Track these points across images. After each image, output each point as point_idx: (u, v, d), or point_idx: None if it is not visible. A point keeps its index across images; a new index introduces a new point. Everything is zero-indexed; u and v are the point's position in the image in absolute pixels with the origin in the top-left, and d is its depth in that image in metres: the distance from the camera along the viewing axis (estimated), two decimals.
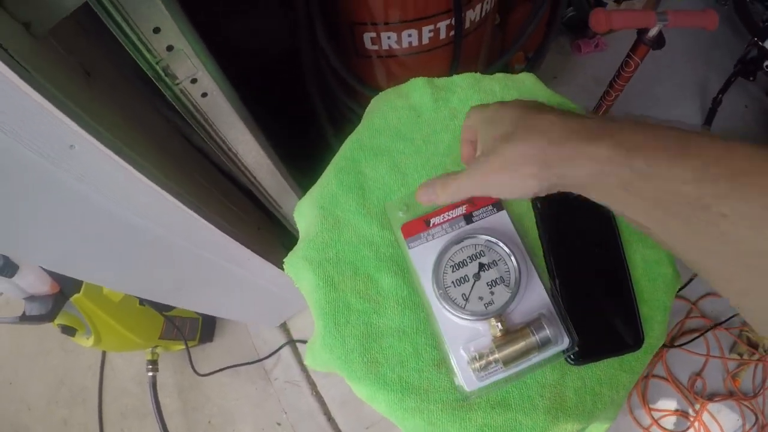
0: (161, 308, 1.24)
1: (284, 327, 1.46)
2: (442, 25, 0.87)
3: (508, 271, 0.43)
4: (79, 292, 1.04)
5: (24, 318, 0.98)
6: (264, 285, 1.01)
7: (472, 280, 0.43)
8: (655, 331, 0.47)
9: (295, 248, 0.50)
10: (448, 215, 0.47)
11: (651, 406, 1.34)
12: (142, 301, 1.19)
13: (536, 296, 0.44)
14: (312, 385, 1.38)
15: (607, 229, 0.49)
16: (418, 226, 0.47)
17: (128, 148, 0.51)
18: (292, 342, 1.44)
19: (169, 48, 0.48)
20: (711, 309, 1.49)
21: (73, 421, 1.50)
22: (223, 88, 0.54)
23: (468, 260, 0.44)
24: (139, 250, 0.70)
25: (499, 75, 0.58)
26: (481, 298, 0.43)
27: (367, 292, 0.45)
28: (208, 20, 0.57)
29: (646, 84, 1.76)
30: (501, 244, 0.44)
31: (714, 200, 0.25)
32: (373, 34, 0.86)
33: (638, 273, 0.48)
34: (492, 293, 0.43)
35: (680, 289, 1.39)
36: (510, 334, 0.41)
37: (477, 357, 0.42)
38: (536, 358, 0.42)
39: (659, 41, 1.09)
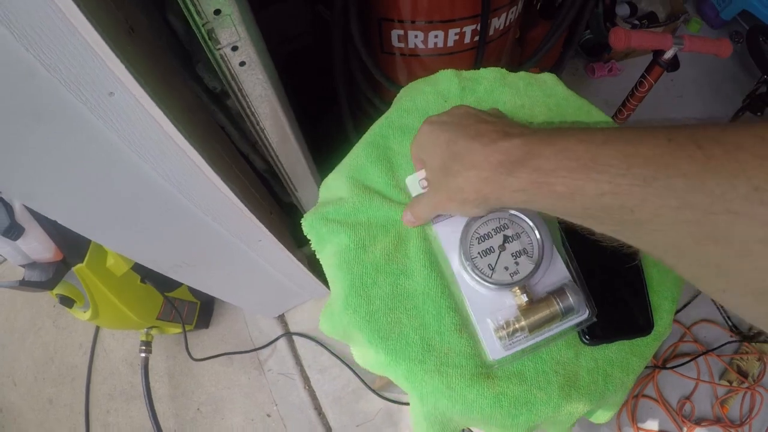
0: (162, 288, 1.23)
1: (282, 319, 1.47)
2: (468, 29, 0.90)
3: (531, 244, 0.45)
4: (82, 262, 1.03)
5: (23, 283, 0.95)
6: (270, 271, 1.02)
7: (497, 251, 0.45)
8: (663, 320, 0.49)
9: (317, 210, 0.51)
10: None
11: (639, 425, 1.35)
12: (144, 279, 1.19)
13: (557, 270, 0.46)
14: (305, 379, 1.38)
15: None
16: None
17: (163, 104, 0.52)
18: (288, 334, 1.44)
19: (217, 12, 0.50)
20: (704, 335, 1.52)
21: (59, 401, 1.49)
22: (262, 60, 0.56)
23: (493, 232, 0.45)
24: (157, 215, 0.71)
25: (523, 73, 0.61)
26: (506, 268, 0.44)
27: (395, 254, 0.47)
28: None
29: (655, 111, 1.80)
30: (524, 217, 0.45)
31: (634, 205, 0.27)
32: (401, 32, 0.88)
33: (649, 263, 0.51)
34: (517, 263, 0.44)
35: (677, 312, 1.41)
36: (534, 303, 0.43)
37: (504, 325, 0.44)
38: (558, 327, 0.44)
39: (674, 64, 1.13)
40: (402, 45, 0.91)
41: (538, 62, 1.17)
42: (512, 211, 0.45)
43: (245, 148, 0.88)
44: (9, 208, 0.90)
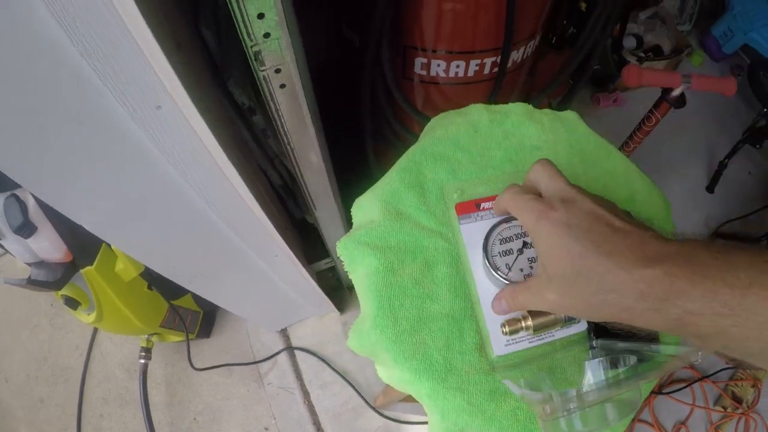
0: (168, 296, 1.24)
1: (284, 333, 1.47)
2: (488, 60, 0.93)
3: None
4: (91, 265, 1.04)
5: (31, 282, 0.96)
6: (281, 286, 1.03)
7: (515, 254, 0.49)
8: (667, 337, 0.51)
9: (351, 233, 0.54)
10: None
11: None
12: (151, 286, 1.20)
13: None
14: (305, 393, 1.39)
15: None
16: (469, 207, 0.53)
17: (205, 118, 0.54)
18: (290, 349, 1.45)
19: (266, 35, 0.52)
20: (700, 361, 1.53)
21: (51, 401, 1.48)
22: (303, 84, 0.58)
23: (514, 237, 0.50)
24: (182, 225, 0.73)
25: (548, 110, 0.64)
26: (521, 270, 0.48)
27: (422, 279, 0.49)
28: None
29: (658, 141, 1.84)
30: None
31: None
32: (425, 60, 0.91)
33: None
34: (531, 268, 0.49)
35: None
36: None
37: (512, 321, 0.48)
38: (559, 333, 0.49)
39: (681, 101, 1.17)
40: (424, 72, 0.94)
41: (549, 93, 1.20)
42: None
43: (264, 164, 0.90)
44: (23, 206, 0.91)
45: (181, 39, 0.59)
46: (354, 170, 1.04)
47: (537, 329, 0.47)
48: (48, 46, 0.43)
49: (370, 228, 0.52)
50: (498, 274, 0.48)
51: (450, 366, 0.46)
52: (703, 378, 1.49)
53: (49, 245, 0.97)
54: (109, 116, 0.51)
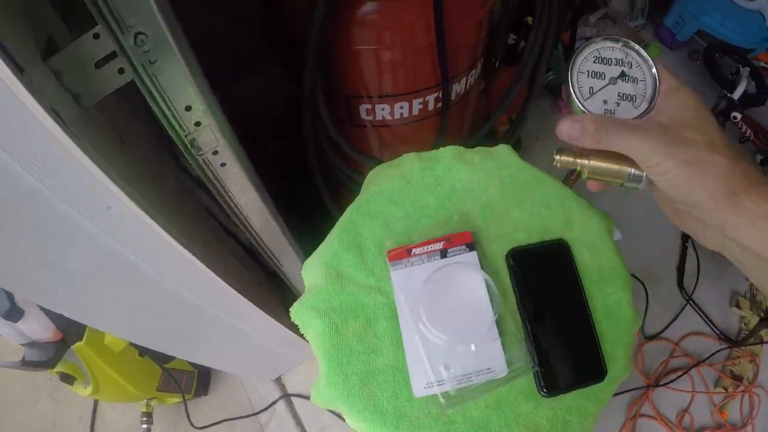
0: (160, 360, 1.27)
1: (279, 381, 1.49)
2: (431, 98, 0.97)
3: (645, 95, 0.44)
4: (81, 340, 1.07)
5: (24, 363, 1.00)
6: (262, 341, 1.06)
7: (607, 81, 0.44)
8: (617, 365, 0.55)
9: (301, 298, 0.57)
10: (427, 248, 0.57)
11: None
12: (142, 353, 1.23)
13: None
14: None
15: (571, 279, 0.58)
16: (401, 254, 0.56)
17: (155, 210, 0.58)
18: (287, 396, 1.46)
19: (197, 124, 0.57)
20: (693, 348, 1.57)
21: None
22: (239, 160, 0.62)
23: (614, 62, 0.45)
24: (152, 302, 0.76)
25: (479, 148, 0.68)
26: (605, 102, 0.44)
27: (366, 335, 0.53)
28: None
29: None
30: (655, 71, 0.44)
31: None
32: (369, 106, 0.96)
33: (599, 315, 0.57)
34: (618, 104, 0.44)
35: (661, 332, 1.53)
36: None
37: (565, 151, 0.46)
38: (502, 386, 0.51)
39: None
40: (370, 117, 0.98)
41: (506, 110, 1.24)
42: (649, 60, 0.44)
43: (231, 227, 0.94)
44: (9, 293, 0.95)
45: (125, 133, 0.63)
46: (316, 217, 1.08)
47: (594, 173, 0.45)
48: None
49: (315, 292, 0.56)
50: (577, 94, 0.43)
51: (400, 414, 0.50)
52: (699, 363, 1.50)
53: (38, 327, 1.01)
54: (67, 220, 0.54)
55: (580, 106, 0.44)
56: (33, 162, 0.47)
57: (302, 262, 0.61)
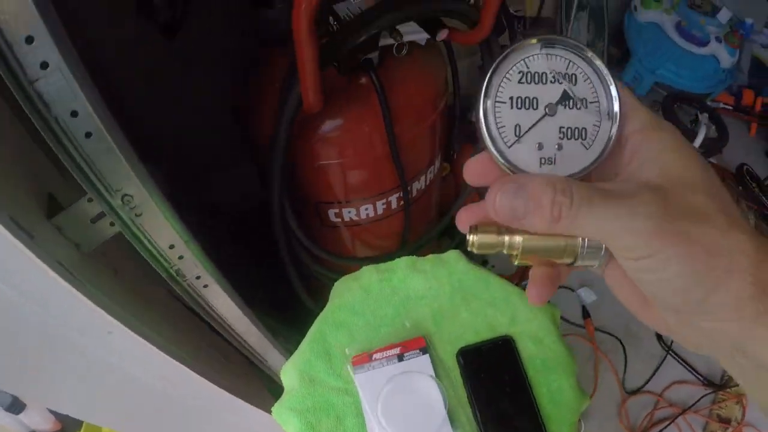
0: None
1: None
2: (393, 197, 1.08)
3: (599, 126, 0.30)
4: (79, 430, 1.11)
5: None
6: (254, 427, 1.11)
7: (542, 112, 0.30)
8: None
9: (281, 399, 0.66)
10: (386, 354, 0.66)
11: None
12: None
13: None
14: None
15: (516, 371, 0.67)
16: (363, 359, 0.65)
17: (148, 328, 0.66)
18: None
19: (180, 257, 0.66)
20: (678, 397, 1.58)
21: None
22: (219, 281, 0.71)
23: (551, 78, 0.30)
24: (150, 403, 0.82)
25: (431, 256, 0.77)
26: (539, 146, 0.30)
27: (337, 431, 0.60)
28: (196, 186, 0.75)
29: None
30: (612, 85, 0.30)
31: None
32: (337, 210, 1.06)
33: (544, 400, 0.65)
34: (558, 147, 0.30)
35: (644, 385, 1.57)
36: None
37: (485, 228, 0.31)
38: None
39: None
40: (339, 220, 1.08)
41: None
42: (603, 69, 0.30)
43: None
44: None
45: (117, 265, 0.72)
46: (297, 307, 1.16)
47: (529, 253, 0.31)
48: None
49: (292, 395, 0.64)
50: (495, 139, 0.30)
51: None
52: (685, 411, 1.50)
53: (39, 419, 1.08)
54: (74, 342, 0.62)
55: (500, 159, 0.30)
56: (43, 301, 0.56)
57: (284, 356, 0.69)
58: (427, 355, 0.66)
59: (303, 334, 0.71)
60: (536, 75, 0.30)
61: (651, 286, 0.28)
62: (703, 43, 2.12)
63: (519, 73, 0.30)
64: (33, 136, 0.67)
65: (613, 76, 0.30)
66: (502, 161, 0.30)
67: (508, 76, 0.30)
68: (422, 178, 1.14)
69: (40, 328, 0.58)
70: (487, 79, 0.30)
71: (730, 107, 2.30)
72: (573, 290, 1.77)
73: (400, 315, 0.70)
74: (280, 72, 0.84)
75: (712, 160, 2.00)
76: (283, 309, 1.14)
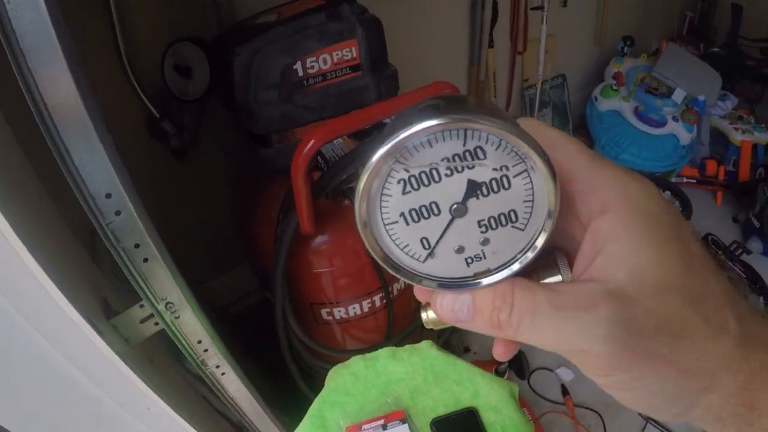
0: None
1: None
2: (377, 297, 1.26)
3: (532, 198, 0.24)
4: None
5: None
6: None
7: (447, 216, 0.24)
8: None
9: None
10: (373, 425, 0.80)
11: None
12: None
13: None
14: None
15: None
16: (355, 429, 0.80)
17: (177, 405, 0.82)
18: None
19: (205, 350, 0.83)
20: None
21: None
22: (235, 369, 0.87)
23: (444, 171, 0.23)
24: None
25: (408, 346, 0.95)
26: (460, 250, 0.25)
27: None
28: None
29: None
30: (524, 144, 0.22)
31: None
32: (328, 309, 1.24)
33: None
34: (486, 242, 0.25)
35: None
36: None
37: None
38: None
39: None
40: (330, 318, 1.26)
41: None
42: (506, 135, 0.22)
43: (222, 409, 1.15)
44: None
45: (153, 354, 0.88)
46: (296, 393, 1.31)
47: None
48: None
49: None
50: (403, 265, 0.26)
51: None
52: None
53: None
54: (121, 416, 0.77)
55: (416, 278, 0.26)
56: (103, 382, 0.72)
57: None
58: (406, 425, 0.81)
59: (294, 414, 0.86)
60: (423, 175, 0.23)
61: (624, 399, 0.26)
62: (661, 124, 2.25)
63: (398, 182, 0.23)
64: (91, 256, 0.87)
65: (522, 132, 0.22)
66: (421, 278, 0.26)
67: (385, 192, 0.23)
68: (401, 279, 1.32)
69: (93, 400, 0.74)
70: (356, 203, 0.23)
71: (695, 180, 2.40)
72: (551, 370, 1.87)
73: (384, 394, 0.86)
74: (280, 191, 1.07)
75: None
76: (287, 394, 1.28)
